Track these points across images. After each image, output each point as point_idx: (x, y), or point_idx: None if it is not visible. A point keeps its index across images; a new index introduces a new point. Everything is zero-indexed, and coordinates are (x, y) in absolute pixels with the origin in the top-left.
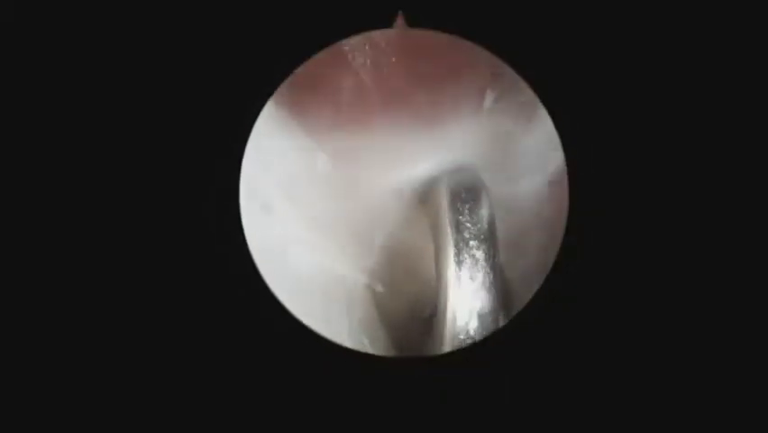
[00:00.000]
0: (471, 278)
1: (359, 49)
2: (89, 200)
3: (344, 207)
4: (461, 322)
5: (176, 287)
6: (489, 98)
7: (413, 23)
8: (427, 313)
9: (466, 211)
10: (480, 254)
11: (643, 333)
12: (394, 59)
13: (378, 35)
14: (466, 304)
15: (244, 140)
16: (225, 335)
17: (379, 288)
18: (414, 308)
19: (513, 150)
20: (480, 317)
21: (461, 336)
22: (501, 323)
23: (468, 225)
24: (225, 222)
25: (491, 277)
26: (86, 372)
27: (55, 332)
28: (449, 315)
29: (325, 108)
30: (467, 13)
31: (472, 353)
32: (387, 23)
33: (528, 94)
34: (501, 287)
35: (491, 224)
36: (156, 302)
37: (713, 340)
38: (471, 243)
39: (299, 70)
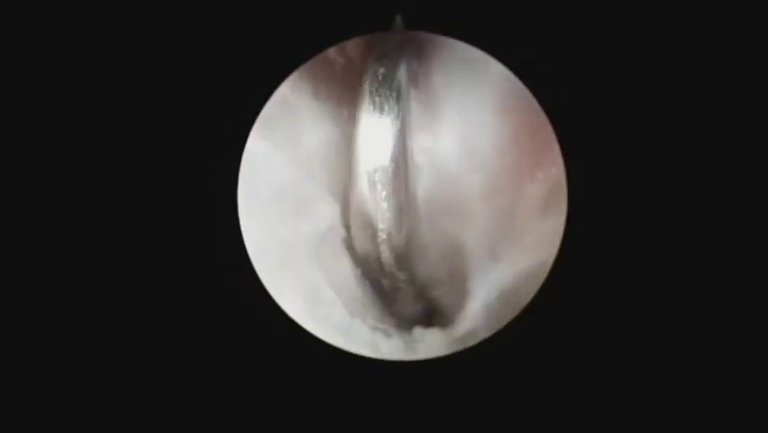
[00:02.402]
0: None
1: None
2: (87, 204)
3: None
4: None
5: (175, 289)
6: None
7: (411, 24)
8: None
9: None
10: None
11: (641, 335)
12: None
13: None
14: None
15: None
16: (224, 337)
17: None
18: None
19: None
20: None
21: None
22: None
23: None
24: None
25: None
26: (88, 374)
27: (53, 331)
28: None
29: None
30: (465, 15)
31: (473, 353)
32: (386, 24)
33: None
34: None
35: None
36: (158, 308)
37: (711, 341)
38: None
39: None
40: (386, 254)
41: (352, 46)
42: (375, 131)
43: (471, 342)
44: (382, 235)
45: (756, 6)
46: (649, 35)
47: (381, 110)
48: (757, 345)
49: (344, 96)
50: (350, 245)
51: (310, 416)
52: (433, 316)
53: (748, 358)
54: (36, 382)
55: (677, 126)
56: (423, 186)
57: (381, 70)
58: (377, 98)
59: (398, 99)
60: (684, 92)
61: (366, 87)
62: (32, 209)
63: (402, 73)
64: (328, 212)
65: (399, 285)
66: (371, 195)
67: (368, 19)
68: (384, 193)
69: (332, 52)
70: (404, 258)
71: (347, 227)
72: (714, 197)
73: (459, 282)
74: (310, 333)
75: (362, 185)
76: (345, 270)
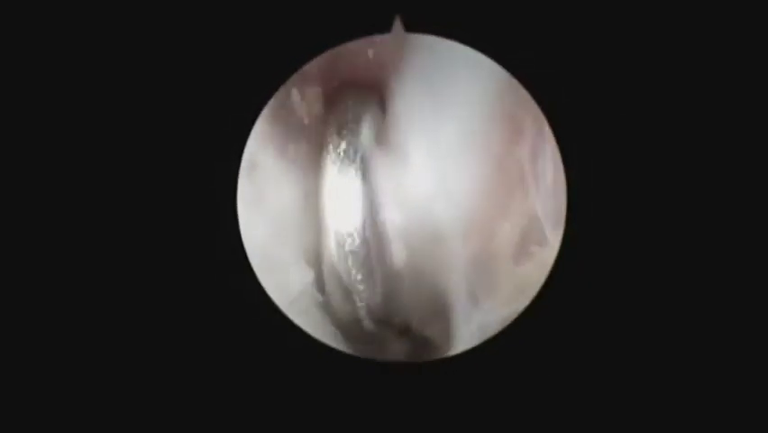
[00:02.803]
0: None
1: None
2: (87, 204)
3: None
4: None
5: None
6: None
7: (410, 26)
8: None
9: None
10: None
11: (641, 338)
12: None
13: None
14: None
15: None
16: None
17: None
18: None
19: None
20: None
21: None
22: None
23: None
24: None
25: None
26: (87, 373)
27: (51, 331)
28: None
29: None
30: (464, 17)
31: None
32: (385, 25)
33: None
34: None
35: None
36: (158, 309)
37: (711, 343)
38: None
39: None
40: (366, 322)
41: (313, 97)
42: (342, 199)
43: None
44: (361, 311)
45: (756, 6)
46: (650, 36)
47: (346, 179)
48: (758, 345)
49: (308, 158)
50: (326, 308)
51: (312, 416)
52: (422, 352)
53: (749, 358)
54: (34, 382)
55: (679, 130)
56: (399, 243)
57: (342, 146)
58: (341, 166)
59: (365, 172)
60: (686, 93)
61: (328, 160)
62: (27, 209)
63: (365, 138)
64: (300, 277)
65: (383, 337)
66: (344, 267)
67: (368, 19)
68: (360, 276)
69: (294, 94)
70: (386, 321)
71: (322, 292)
72: (716, 198)
73: (443, 325)
74: (311, 334)
75: (334, 257)
76: (319, 329)
